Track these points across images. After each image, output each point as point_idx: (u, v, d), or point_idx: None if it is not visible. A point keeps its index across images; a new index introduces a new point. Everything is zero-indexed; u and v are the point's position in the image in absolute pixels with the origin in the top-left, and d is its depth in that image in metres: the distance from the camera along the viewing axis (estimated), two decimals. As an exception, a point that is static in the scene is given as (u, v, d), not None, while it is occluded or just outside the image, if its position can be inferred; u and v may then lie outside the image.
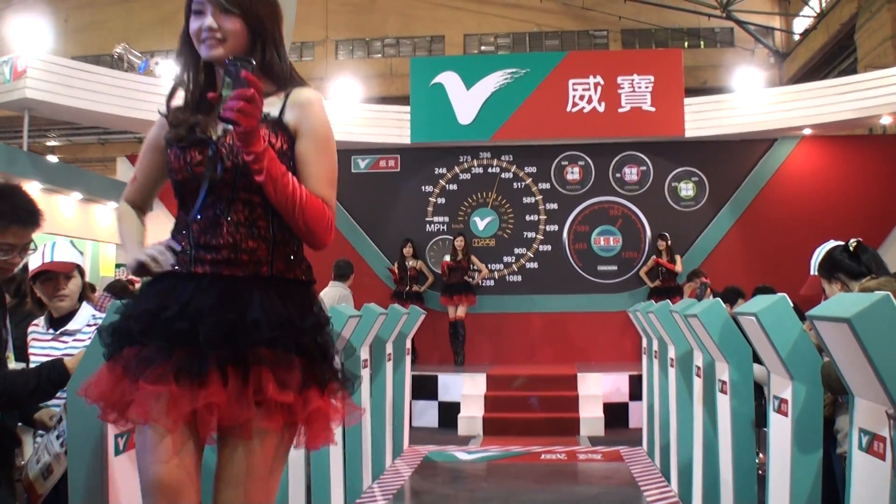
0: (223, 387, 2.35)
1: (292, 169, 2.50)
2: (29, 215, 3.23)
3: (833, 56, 21.48)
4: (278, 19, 2.63)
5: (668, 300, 10.58)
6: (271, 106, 2.54)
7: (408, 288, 13.37)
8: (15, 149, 14.07)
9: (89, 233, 14.04)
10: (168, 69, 16.24)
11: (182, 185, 2.56)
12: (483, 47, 25.67)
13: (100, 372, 2.49)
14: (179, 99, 2.66)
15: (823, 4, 21.80)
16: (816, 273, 4.69)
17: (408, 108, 14.03)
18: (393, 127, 14.10)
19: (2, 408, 3.27)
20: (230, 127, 2.40)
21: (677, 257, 13.25)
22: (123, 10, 24.27)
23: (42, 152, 22.95)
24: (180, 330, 2.37)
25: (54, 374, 3.34)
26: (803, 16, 23.07)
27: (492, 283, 13.92)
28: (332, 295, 9.68)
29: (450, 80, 13.92)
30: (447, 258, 13.53)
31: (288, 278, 2.54)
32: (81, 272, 4.23)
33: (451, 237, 13.83)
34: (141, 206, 2.83)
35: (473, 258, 13.58)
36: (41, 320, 4.19)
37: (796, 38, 23.87)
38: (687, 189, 14.04)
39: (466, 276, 13.41)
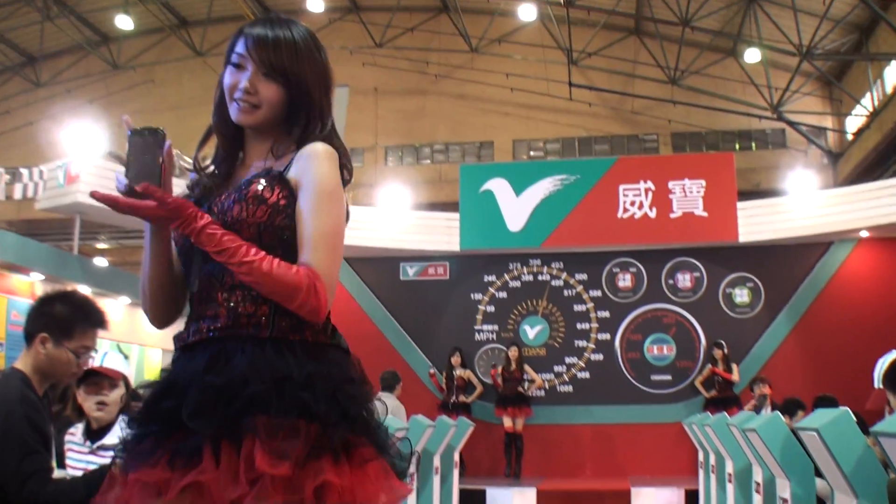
0: (216, 465, 2.04)
1: (286, 226, 2.23)
2: (103, 319, 3.53)
3: (887, 155, 21.36)
4: (328, 86, 2.41)
5: (725, 412, 10.46)
6: (284, 161, 2.31)
7: (455, 398, 13.26)
8: (66, 252, 14.36)
9: (135, 337, 14.19)
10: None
11: (180, 254, 2.34)
12: (532, 152, 25.90)
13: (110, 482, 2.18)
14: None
15: (876, 103, 21.78)
16: (881, 386, 4.60)
17: (457, 215, 14.10)
18: (442, 234, 14.17)
19: None
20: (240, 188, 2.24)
21: (734, 366, 13.04)
22: (175, 116, 24.73)
23: (91, 254, 23.36)
24: (168, 409, 2.10)
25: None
26: (856, 115, 23.05)
27: (542, 393, 13.77)
28: (381, 408, 9.63)
29: (499, 187, 14.01)
30: (496, 367, 13.44)
31: (293, 339, 2.22)
32: (127, 385, 4.25)
33: (505, 347, 13.76)
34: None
35: (527, 368, 13.46)
36: (78, 429, 4.19)
37: (849, 137, 23.80)
38: (742, 295, 13.90)
39: (520, 386, 13.28)
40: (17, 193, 15.38)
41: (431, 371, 13.63)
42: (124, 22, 23.74)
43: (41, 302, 3.55)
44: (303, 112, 2.34)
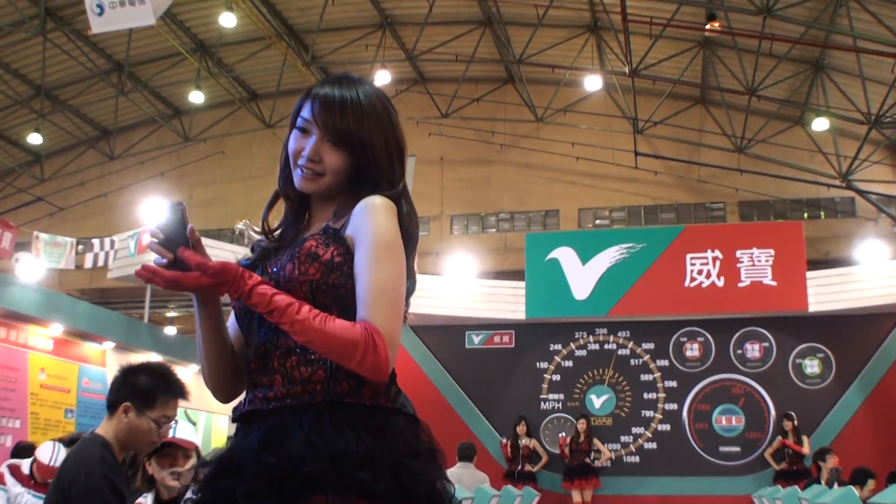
0: None
1: (341, 284, 2.10)
2: (184, 390, 3.66)
3: (960, 225, 21.04)
4: (398, 149, 2.29)
5: (796, 485, 10.22)
6: (342, 220, 2.19)
7: (520, 467, 13.13)
8: (136, 321, 14.55)
9: (203, 404, 14.28)
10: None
11: (237, 320, 2.25)
12: (598, 221, 25.81)
13: None
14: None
15: (947, 173, 21.48)
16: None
17: (523, 284, 14.09)
18: (508, 302, 14.15)
19: None
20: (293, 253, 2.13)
21: (804, 438, 12.77)
22: (246, 187, 25.10)
23: (161, 323, 23.65)
24: (224, 488, 1.99)
25: None
26: (927, 185, 22.74)
27: (608, 464, 13.58)
28: (465, 475, 9.55)
29: (565, 255, 13.99)
30: (563, 435, 13.30)
31: (349, 402, 2.07)
32: (198, 455, 4.27)
33: (572, 417, 13.64)
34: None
35: (595, 440, 13.30)
36: (147, 499, 4.20)
37: (921, 207, 23.47)
38: (812, 366, 13.65)
39: (587, 458, 13.12)
40: (88, 263, 15.67)
41: (504, 441, 13.51)
42: (196, 97, 24.22)
43: (125, 372, 3.62)
44: (370, 177, 2.22)
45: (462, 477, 9.57)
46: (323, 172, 2.19)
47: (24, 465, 7.72)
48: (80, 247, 16.35)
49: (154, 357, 12.55)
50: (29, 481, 7.46)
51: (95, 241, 15.71)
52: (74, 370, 13.23)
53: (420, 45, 22.45)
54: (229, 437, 2.19)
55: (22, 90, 23.83)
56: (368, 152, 2.19)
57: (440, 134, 25.40)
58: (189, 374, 13.99)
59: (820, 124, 23.04)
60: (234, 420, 2.18)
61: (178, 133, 26.73)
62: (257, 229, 18.00)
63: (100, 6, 10.88)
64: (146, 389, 3.53)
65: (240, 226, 18.13)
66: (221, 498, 2.00)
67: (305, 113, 2.21)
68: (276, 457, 1.97)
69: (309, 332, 1.98)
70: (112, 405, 3.53)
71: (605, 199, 25.45)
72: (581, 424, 13.16)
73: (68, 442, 7.98)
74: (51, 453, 7.46)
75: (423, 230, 26.02)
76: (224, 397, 2.29)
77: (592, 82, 23.27)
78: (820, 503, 5.49)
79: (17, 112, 24.82)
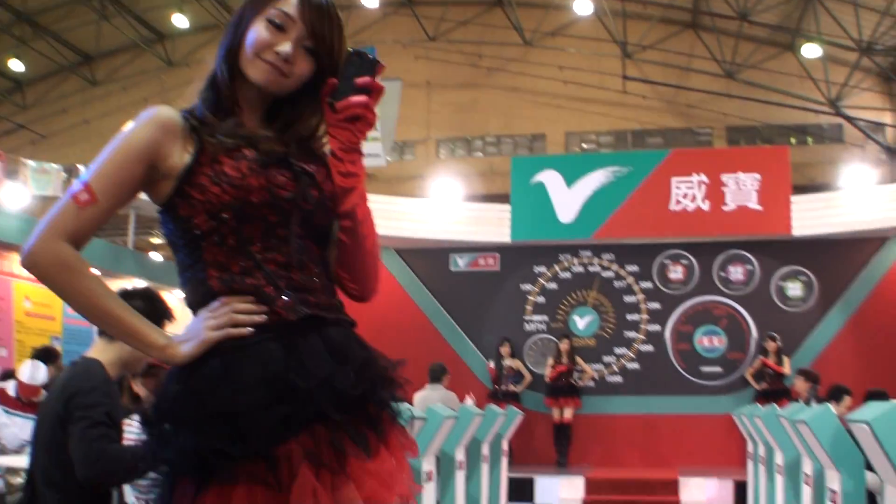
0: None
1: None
2: (171, 315, 3.72)
3: (947, 152, 21.07)
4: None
5: (776, 404, 10.36)
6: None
7: (504, 388, 13.25)
8: (121, 247, 14.54)
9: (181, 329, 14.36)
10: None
11: (249, 209, 1.93)
12: (584, 145, 25.75)
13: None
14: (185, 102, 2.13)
15: (936, 100, 21.45)
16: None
17: (508, 207, 14.09)
18: (493, 225, 14.16)
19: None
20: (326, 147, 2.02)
21: (785, 359, 12.91)
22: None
23: (146, 249, 23.62)
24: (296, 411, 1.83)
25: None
26: (915, 111, 22.72)
27: (591, 383, 13.71)
28: (434, 397, 9.64)
29: (551, 179, 13.97)
30: (551, 361, 13.39)
31: (353, 322, 2.06)
32: None
33: (555, 338, 13.75)
34: (79, 248, 2.00)
35: (578, 360, 13.42)
36: (135, 420, 4.25)
37: (908, 133, 23.48)
38: (794, 289, 13.75)
39: (571, 378, 13.25)
40: (74, 189, 15.55)
41: (491, 365, 13.59)
42: (180, 20, 23.90)
43: (122, 297, 3.64)
44: (314, 95, 2.05)
45: (429, 398, 9.67)
46: (290, 75, 2.00)
47: (9, 387, 7.81)
48: (65, 175, 16.26)
49: (139, 283, 12.58)
50: (16, 404, 7.55)
51: (81, 168, 15.60)
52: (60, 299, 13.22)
53: (407, -34, 22.22)
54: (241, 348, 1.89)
55: (2, 16, 23.49)
56: (332, 67, 2.02)
57: (427, 57, 25.23)
58: (175, 299, 14.01)
59: (811, 50, 22.93)
60: (278, 324, 1.92)
61: (161, 58, 26.46)
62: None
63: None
64: (149, 313, 3.36)
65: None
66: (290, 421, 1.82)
67: (288, 9, 2.00)
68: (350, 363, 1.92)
69: (373, 230, 2.04)
70: None
71: (593, 123, 25.38)
72: (564, 345, 13.28)
73: (43, 356, 8.06)
74: (30, 371, 7.55)
75: (410, 154, 26.05)
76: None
77: (582, 5, 23.05)
78: (797, 420, 5.57)
79: (-3, 38, 24.55)
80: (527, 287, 14.30)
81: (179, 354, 1.91)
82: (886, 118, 24.42)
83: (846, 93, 22.45)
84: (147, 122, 1.99)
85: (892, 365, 12.54)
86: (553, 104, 25.17)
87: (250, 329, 1.88)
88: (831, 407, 5.43)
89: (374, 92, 1.96)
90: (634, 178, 13.84)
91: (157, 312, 3.61)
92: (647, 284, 14.06)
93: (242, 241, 1.94)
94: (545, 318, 14.17)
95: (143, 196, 2.04)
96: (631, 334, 13.96)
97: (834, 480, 5.04)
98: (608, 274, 14.16)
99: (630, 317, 14.02)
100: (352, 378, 1.87)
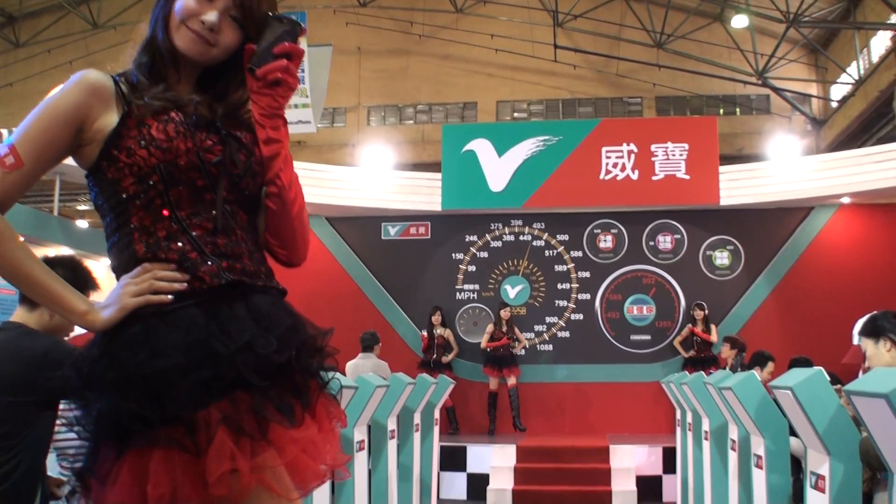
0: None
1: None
2: (95, 283, 3.79)
3: (871, 123, 21.41)
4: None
5: (703, 371, 10.53)
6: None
7: (435, 357, 13.27)
8: (45, 214, 14.25)
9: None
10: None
11: (176, 172, 1.92)
12: (516, 114, 25.82)
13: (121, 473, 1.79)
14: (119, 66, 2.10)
15: (861, 71, 21.77)
16: (858, 343, 4.64)
17: (439, 175, 14.06)
18: (424, 194, 14.14)
19: None
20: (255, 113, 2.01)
21: (713, 327, 13.11)
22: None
23: (72, 217, 23.23)
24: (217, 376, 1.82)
25: None
26: (841, 83, 23.06)
27: (523, 352, 13.79)
28: (366, 366, 9.63)
29: (482, 148, 13.96)
30: (490, 328, 13.37)
31: (283, 290, 2.08)
32: None
33: (486, 307, 13.82)
34: (3, 212, 2.04)
35: (515, 329, 13.44)
36: None
37: (834, 105, 23.84)
38: (722, 258, 13.95)
39: (511, 347, 13.28)
40: (-4, 155, 15.24)
41: (424, 335, 13.55)
42: (106, -20, 23.49)
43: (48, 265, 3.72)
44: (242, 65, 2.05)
45: (361, 367, 9.67)
46: (216, 44, 2.00)
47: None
48: (-15, 140, 15.97)
49: (65, 251, 12.36)
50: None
51: (3, 132, 15.27)
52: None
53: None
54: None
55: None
56: (257, 35, 2.00)
57: (358, 23, 25.03)
58: (101, 267, 13.81)
59: (739, 21, 23.21)
60: (195, 292, 1.92)
61: (86, 20, 25.92)
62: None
63: None
64: (74, 282, 3.57)
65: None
66: (211, 387, 1.81)
67: None
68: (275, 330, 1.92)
69: (299, 195, 2.04)
70: None
71: (524, 92, 25.44)
72: (505, 313, 13.31)
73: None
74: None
75: (340, 121, 25.87)
76: None
77: (513, -27, 23.04)
78: (723, 387, 5.67)
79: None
80: (458, 256, 14.31)
81: (99, 320, 1.90)
82: (812, 89, 24.82)
83: (773, 64, 22.75)
84: (75, 85, 1.95)
85: (817, 332, 12.79)
86: (484, 72, 25.19)
87: (170, 297, 1.88)
88: (755, 373, 5.52)
89: (294, 56, 1.97)
90: (565, 147, 13.89)
91: (81, 281, 3.63)
92: (577, 253, 14.15)
93: (169, 206, 1.94)
94: (476, 286, 14.21)
95: (69, 161, 2.02)
96: (561, 303, 14.05)
97: (759, 446, 5.15)
98: (539, 243, 14.22)
99: (561, 286, 14.11)
100: (275, 344, 1.87)
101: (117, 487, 1.77)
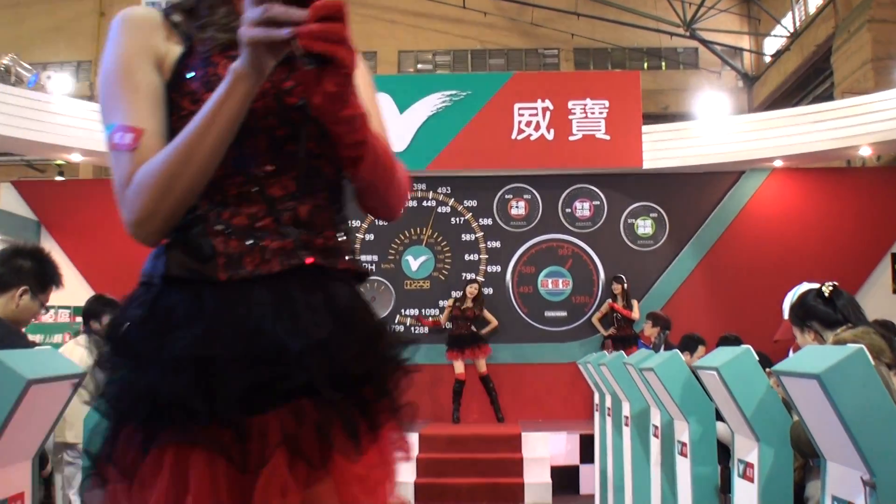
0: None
1: None
2: (60, 279, 4.25)
3: (807, 80, 21.74)
4: None
5: (623, 351, 10.63)
6: None
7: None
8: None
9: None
10: (61, 84, 15.98)
11: (250, 119, 1.69)
12: (420, 65, 25.72)
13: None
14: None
15: (797, 24, 22.10)
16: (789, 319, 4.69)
17: (332, 133, 13.92)
18: (316, 154, 13.99)
19: None
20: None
21: (634, 302, 13.22)
22: (13, 16, 23.92)
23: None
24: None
25: None
26: (775, 36, 23.40)
27: (425, 330, 13.73)
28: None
29: (381, 103, 13.84)
30: (450, 303, 13.26)
31: (362, 272, 1.91)
32: None
33: (385, 280, 13.79)
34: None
35: (485, 311, 13.36)
36: None
37: (767, 60, 24.17)
38: (645, 226, 14.08)
39: (473, 326, 13.16)
40: None
41: None
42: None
43: (13, 255, 4.19)
44: None
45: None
46: None
47: None
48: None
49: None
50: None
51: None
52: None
53: None
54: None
55: None
56: None
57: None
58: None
59: (665, -35, 23.34)
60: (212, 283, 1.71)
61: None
62: (27, 65, 17.21)
63: None
64: (41, 275, 4.15)
65: (5, 61, 17.26)
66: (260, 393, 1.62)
67: None
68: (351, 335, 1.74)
69: (391, 160, 1.84)
70: (6, 286, 4.08)
71: (429, 41, 25.33)
72: (472, 289, 13.15)
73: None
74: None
75: (223, 72, 25.46)
76: (170, 223, 1.73)
77: None
78: (645, 368, 5.71)
79: None
80: (355, 223, 14.22)
81: (237, 71, 1.61)
82: (744, 42, 25.13)
83: (702, 14, 22.94)
84: (123, 27, 1.79)
85: (748, 307, 13.00)
86: (385, 18, 25.00)
87: (290, 31, 1.54)
88: (682, 356, 5.58)
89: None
90: (474, 103, 13.87)
91: (47, 273, 4.08)
92: (486, 221, 14.16)
93: (242, 160, 1.75)
94: (375, 258, 14.14)
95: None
96: (469, 276, 14.04)
97: (683, 432, 5.20)
98: (444, 209, 14.20)
99: (468, 257, 14.12)
100: (356, 350, 1.72)
101: (156, 493, 1.59)
